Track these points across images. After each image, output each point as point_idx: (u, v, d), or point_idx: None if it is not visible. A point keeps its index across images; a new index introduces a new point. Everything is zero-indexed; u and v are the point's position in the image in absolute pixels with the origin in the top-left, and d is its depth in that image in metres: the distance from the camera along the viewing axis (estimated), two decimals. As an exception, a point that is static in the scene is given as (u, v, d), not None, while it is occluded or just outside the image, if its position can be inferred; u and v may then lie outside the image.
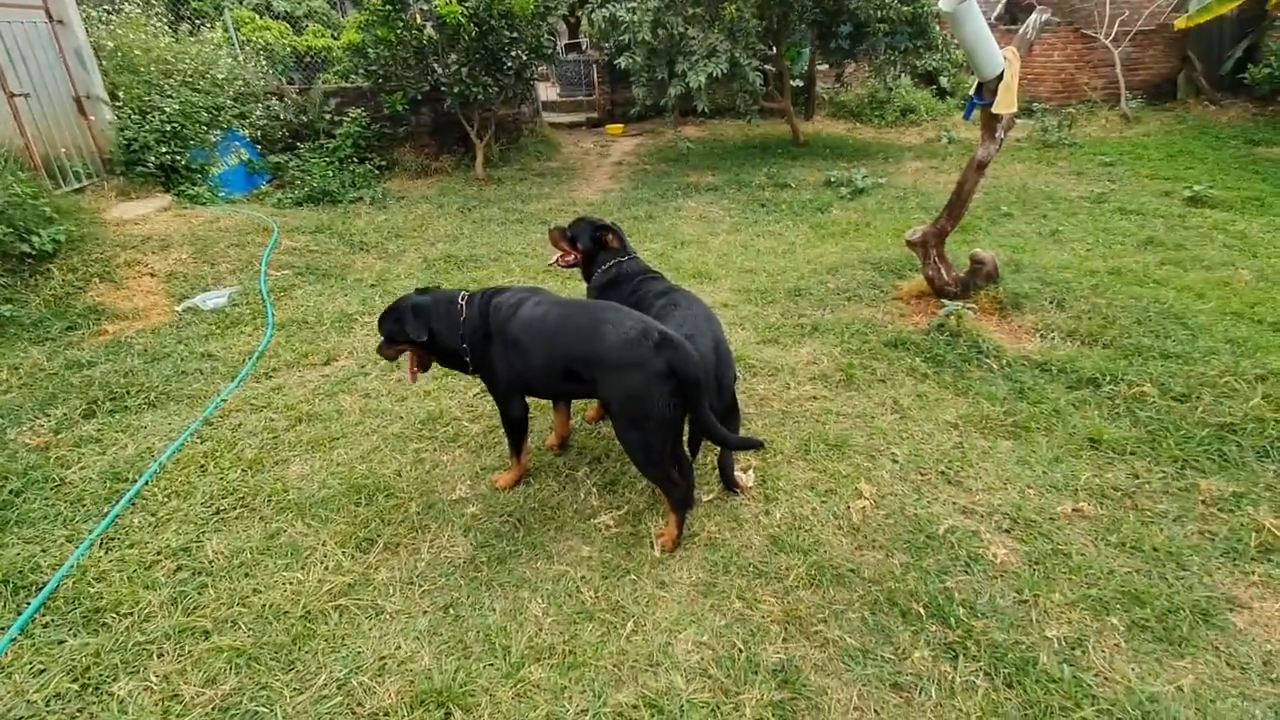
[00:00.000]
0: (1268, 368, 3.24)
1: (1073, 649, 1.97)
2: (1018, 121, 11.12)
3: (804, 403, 3.34)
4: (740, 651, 2.00)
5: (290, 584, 2.29)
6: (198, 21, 9.19)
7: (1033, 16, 3.65)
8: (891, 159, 9.14)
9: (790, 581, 2.25)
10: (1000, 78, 3.44)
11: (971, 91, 3.72)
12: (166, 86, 6.77)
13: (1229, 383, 3.16)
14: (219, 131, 7.08)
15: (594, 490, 2.75)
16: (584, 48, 14.88)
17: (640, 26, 7.84)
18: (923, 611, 2.10)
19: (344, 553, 2.42)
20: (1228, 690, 1.84)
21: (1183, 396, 3.13)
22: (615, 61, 8.62)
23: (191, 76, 7.06)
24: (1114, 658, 1.94)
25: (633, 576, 2.30)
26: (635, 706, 1.85)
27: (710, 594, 2.23)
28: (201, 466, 2.94)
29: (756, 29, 8.19)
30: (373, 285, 5.10)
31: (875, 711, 1.82)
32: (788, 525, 2.52)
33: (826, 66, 12.19)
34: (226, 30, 8.57)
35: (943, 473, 2.77)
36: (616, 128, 12.55)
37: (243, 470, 2.92)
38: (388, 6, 7.48)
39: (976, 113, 3.74)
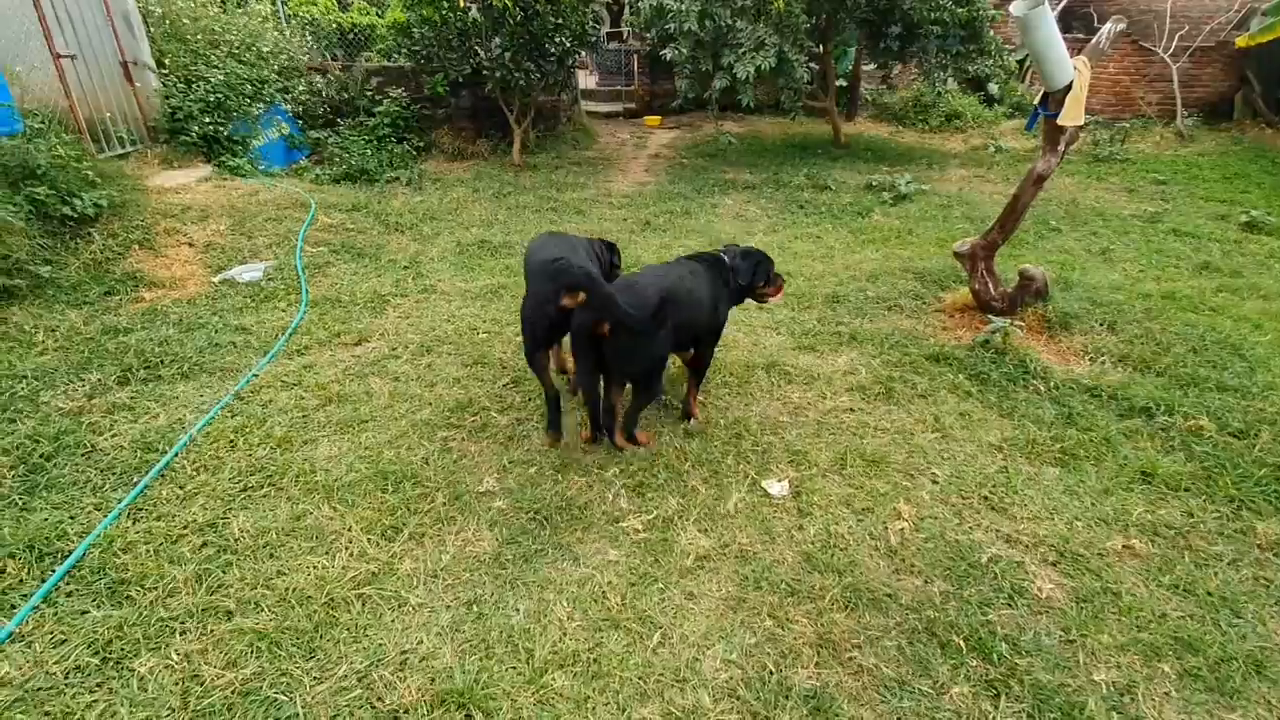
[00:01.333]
0: (1335, 408, 3.08)
1: (1121, 695, 1.87)
2: (1067, 133, 10.83)
3: (840, 414, 3.25)
4: (771, 674, 1.93)
5: (314, 568, 2.27)
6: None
7: (1108, 25, 3.49)
8: (935, 165, 8.93)
9: (824, 603, 2.17)
10: (1069, 88, 3.29)
11: (1036, 101, 3.56)
12: (212, 57, 6.81)
13: (1292, 421, 3.01)
14: (262, 105, 7.11)
15: (623, 492, 2.69)
16: (625, 36, 14.75)
17: (687, 16, 7.71)
18: (963, 644, 2.02)
19: (369, 540, 2.40)
20: (1289, 753, 1.74)
21: (1240, 433, 2.98)
22: (660, 52, 8.50)
23: (238, 48, 7.09)
24: (1164, 707, 1.84)
25: (660, 585, 2.25)
26: (660, 723, 1.79)
27: (740, 609, 2.16)
28: (231, 441, 2.93)
29: (805, 24, 8.02)
30: (406, 267, 5.08)
31: (911, 748, 1.75)
32: (822, 543, 2.44)
33: (872, 67, 11.91)
34: (274, 3, 8.60)
35: (985, 497, 2.67)
36: (654, 119, 12.44)
37: (271, 448, 2.91)
38: (434, -14, 7.44)
39: (1039, 124, 3.59)
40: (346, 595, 2.17)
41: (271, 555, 2.34)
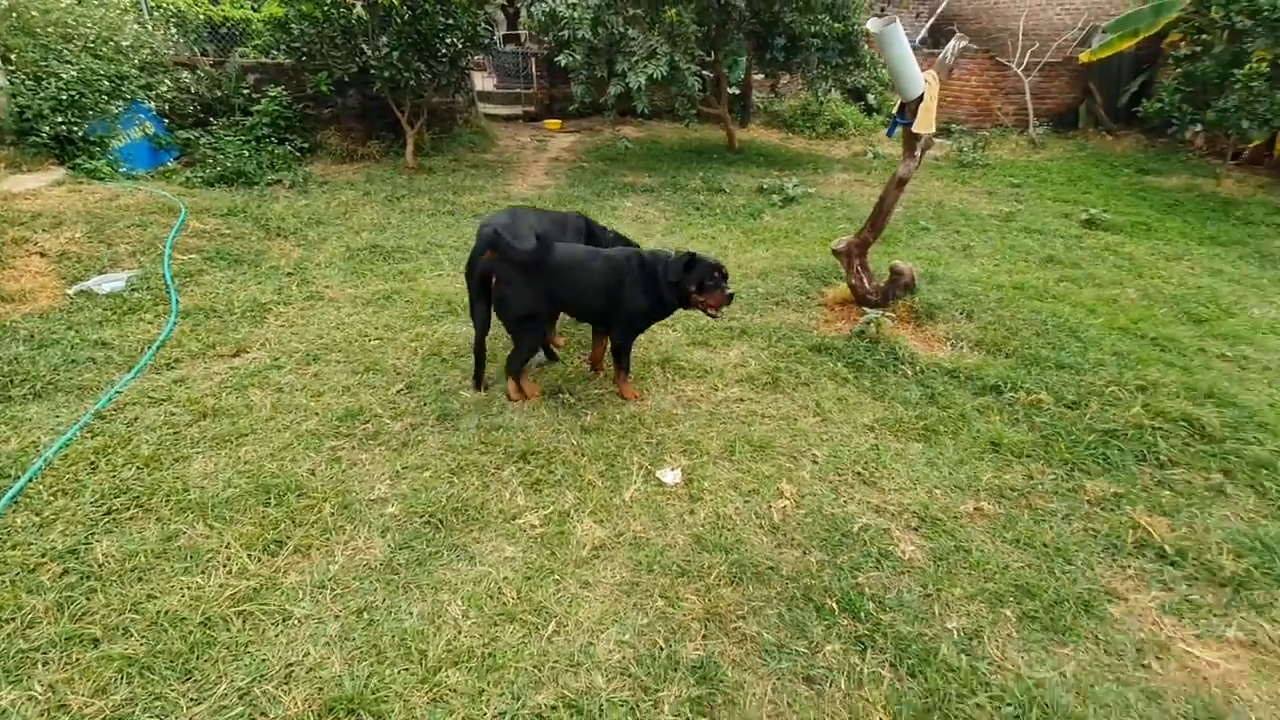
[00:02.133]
0: (1147, 379, 3.55)
1: (970, 639, 2.10)
2: (937, 141, 11.75)
3: (731, 404, 3.42)
4: (661, 649, 2.02)
5: (189, 589, 2.15)
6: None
7: (951, 43, 3.87)
8: (821, 170, 9.46)
9: (712, 580, 2.29)
10: (921, 99, 3.62)
11: (895, 111, 3.89)
12: (66, 51, 6.22)
13: (1114, 392, 3.44)
14: (122, 102, 6.56)
15: (520, 490, 2.72)
16: (523, 39, 14.66)
17: (580, 23, 7.80)
18: (835, 606, 2.19)
19: (250, 556, 2.30)
20: (1105, 675, 2.01)
21: (1074, 404, 3.38)
22: (555, 58, 8.53)
23: (94, 42, 6.51)
24: (1006, 647, 2.08)
25: (556, 577, 2.29)
26: (554, 707, 1.84)
27: (634, 593, 2.24)
28: (92, 463, 2.72)
29: (696, 34, 8.29)
30: (289, 274, 4.85)
31: (788, 704, 1.88)
32: (711, 524, 2.57)
33: (762, 76, 12.46)
34: (133, -7, 7.95)
35: (859, 473, 2.89)
36: (554, 123, 12.43)
37: (138, 468, 2.72)
38: (314, -19, 7.14)
39: (899, 131, 3.92)
40: (225, 614, 2.08)
41: (141, 579, 2.20)
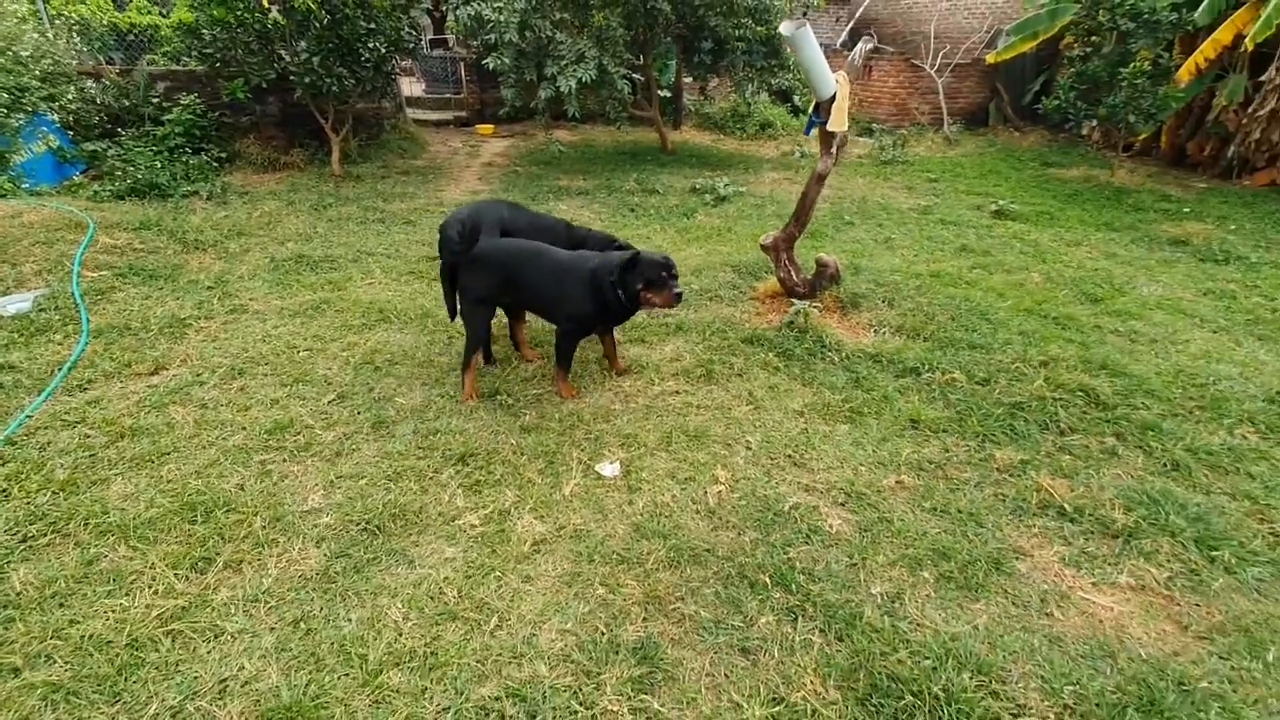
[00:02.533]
0: (1049, 354, 3.83)
1: (892, 602, 2.24)
2: (861, 140, 12.25)
3: (667, 397, 3.50)
4: (602, 634, 2.08)
5: (113, 612, 2.08)
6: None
7: (859, 44, 4.11)
8: (751, 169, 9.72)
9: (650, 565, 2.36)
10: (834, 98, 3.80)
11: (810, 111, 4.07)
12: (-50, 60, 5.81)
13: (1019, 368, 3.70)
14: (23, 115, 6.17)
15: (459, 491, 2.73)
16: (451, 44, 14.47)
17: (507, 27, 7.80)
18: (769, 581, 2.30)
19: (176, 575, 2.24)
20: (1013, 625, 2.18)
21: (984, 381, 3.62)
22: (484, 61, 8.49)
23: (-17, 50, 6.10)
24: (925, 606, 2.23)
25: (498, 574, 2.32)
26: (498, 698, 1.87)
27: (575, 583, 2.29)
28: (4, 491, 2.58)
29: (624, 38, 8.40)
30: (210, 287, 4.68)
31: (725, 675, 1.97)
32: (650, 513, 2.64)
33: (692, 79, 12.69)
34: (33, 2, 7.47)
35: (789, 456, 3.02)
36: (487, 128, 12.33)
37: (54, 493, 2.60)
38: (226, -15, 6.89)
39: (815, 130, 4.10)
40: (153, 634, 2.02)
41: (62, 605, 2.11)
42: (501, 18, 7.76)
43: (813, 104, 4.01)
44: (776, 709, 1.87)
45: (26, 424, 3.02)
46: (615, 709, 1.86)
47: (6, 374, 3.38)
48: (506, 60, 8.00)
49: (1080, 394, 3.47)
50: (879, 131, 12.11)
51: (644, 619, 2.15)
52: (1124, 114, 7.87)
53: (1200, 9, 7.65)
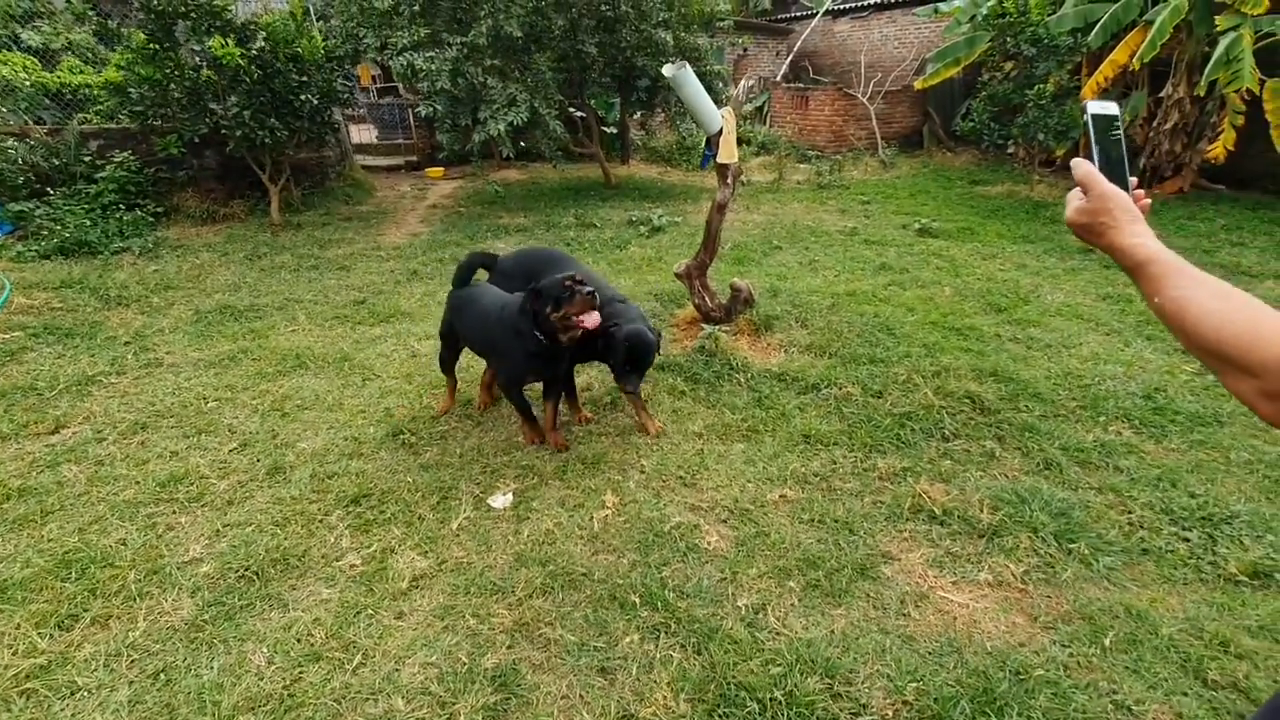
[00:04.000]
0: (941, 365, 3.98)
1: (756, 613, 2.30)
2: (801, 166, 12.64)
3: (571, 427, 3.56)
4: (463, 664, 2.10)
5: (-35, 677, 2.05)
6: (-89, 53, 7.97)
7: (743, 83, 4.29)
8: (691, 200, 9.97)
9: (524, 593, 2.40)
10: (721, 132, 3.98)
11: (704, 146, 4.24)
12: None
13: (912, 379, 3.84)
14: (-64, 178, 6.14)
15: (345, 533, 2.75)
16: (400, 91, 14.72)
17: (439, 75, 7.99)
18: (638, 601, 2.35)
19: (40, 634, 2.22)
20: (870, 628, 2.25)
21: (878, 394, 3.75)
22: (417, 108, 8.67)
23: (-102, 115, 6.09)
24: (788, 615, 2.29)
25: (370, 612, 2.33)
26: (349, 735, 1.88)
27: (447, 616, 2.31)
28: None
29: (554, 80, 8.65)
30: (127, 343, 4.67)
31: (580, 696, 2.00)
32: (535, 541, 2.68)
33: (634, 115, 13.06)
34: (-52, 64, 7.51)
35: (680, 477, 3.09)
36: (436, 171, 12.50)
37: (-77, 559, 2.56)
38: (152, 45, 6.99)
39: (712, 162, 4.28)
40: (6, 694, 2.00)
41: (-90, 675, 2.08)
42: (433, 66, 7.95)
43: (705, 139, 4.18)
44: (626, 726, 1.91)
45: (-92, 491, 2.97)
46: (465, 738, 1.88)
47: (-107, 441, 3.33)
48: (439, 107, 8.18)
49: (967, 401, 3.61)
50: (814, 158, 12.51)
51: (508, 646, 2.18)
52: (1034, 132, 8.28)
53: (1093, 33, 8.13)
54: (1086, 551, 2.56)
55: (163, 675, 2.08)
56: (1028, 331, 4.71)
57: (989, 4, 9.51)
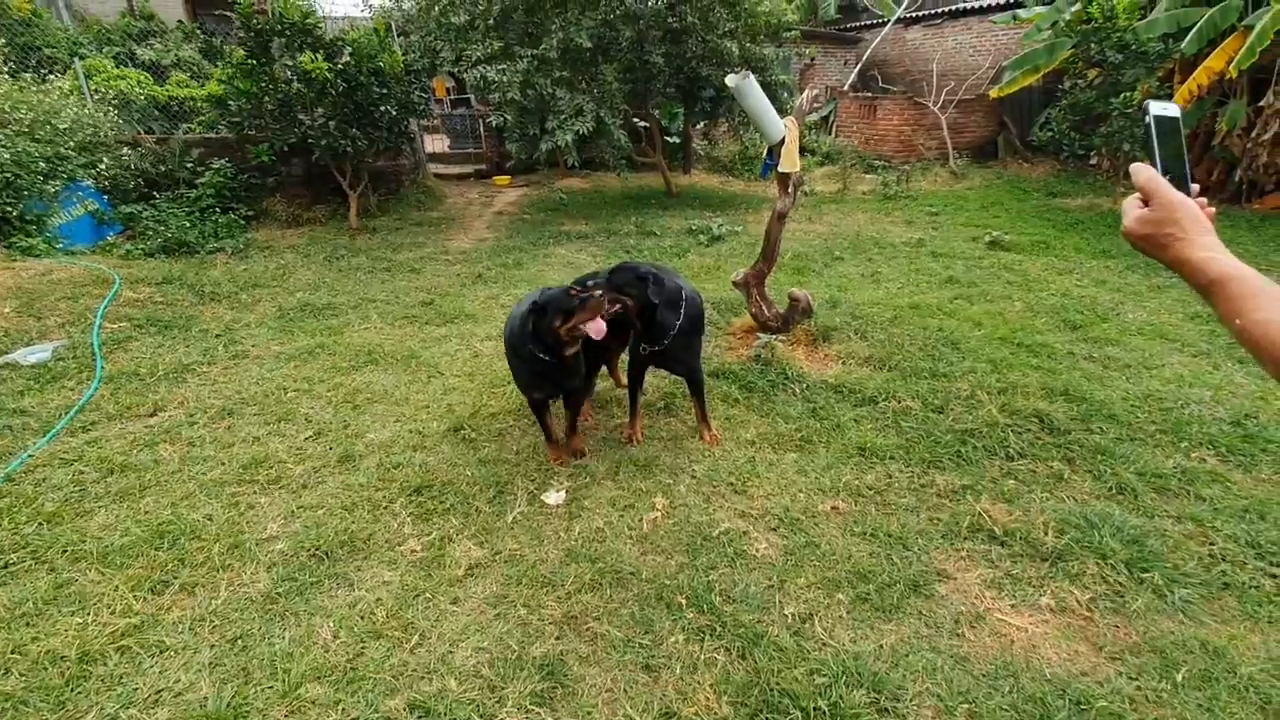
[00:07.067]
0: (1008, 381, 3.84)
1: (802, 622, 2.28)
2: (867, 176, 12.41)
3: (624, 430, 3.62)
4: (513, 652, 2.18)
5: (72, 630, 2.27)
6: (45, 70, 8.82)
7: (806, 93, 4.27)
8: (752, 209, 9.93)
9: (573, 587, 2.46)
10: (783, 142, 3.98)
11: (765, 155, 4.25)
12: (0, 136, 6.46)
13: (976, 395, 3.72)
14: (59, 182, 6.78)
15: (408, 520, 2.88)
16: (473, 103, 15.28)
17: (510, 86, 8.27)
18: (684, 602, 2.37)
19: (135, 596, 2.42)
20: (921, 645, 2.20)
21: (939, 409, 3.65)
22: (488, 118, 8.98)
23: (30, 126, 6.76)
24: (835, 627, 2.27)
25: (428, 596, 2.45)
26: (405, 710, 1.98)
27: (499, 605, 2.40)
28: (-7, 523, 2.83)
29: (620, 91, 8.81)
30: (218, 336, 5.02)
31: (624, 690, 2.04)
32: (585, 538, 2.74)
33: (697, 125, 13.11)
34: (76, 79, 8.27)
35: (731, 484, 3.10)
36: (503, 179, 12.89)
37: (40, 524, 2.83)
38: (251, 61, 7.52)
39: (772, 171, 4.28)
40: (104, 649, 2.20)
41: (29, 624, 2.31)
42: (505, 78, 8.24)
43: (766, 148, 4.20)
44: (667, 723, 1.94)
45: (28, 463, 3.30)
46: (512, 721, 1.95)
47: (17, 418, 3.69)
48: (509, 117, 8.46)
49: (1035, 419, 3.47)
50: (882, 168, 12.25)
51: (557, 637, 2.24)
52: (1118, 142, 7.87)
53: (1187, 39, 7.69)
54: (1160, 582, 2.42)
55: (240, 641, 2.24)
56: (1105, 350, 4.48)
57: (1072, 10, 9.12)
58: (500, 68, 8.40)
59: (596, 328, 2.75)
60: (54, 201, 6.69)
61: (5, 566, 2.58)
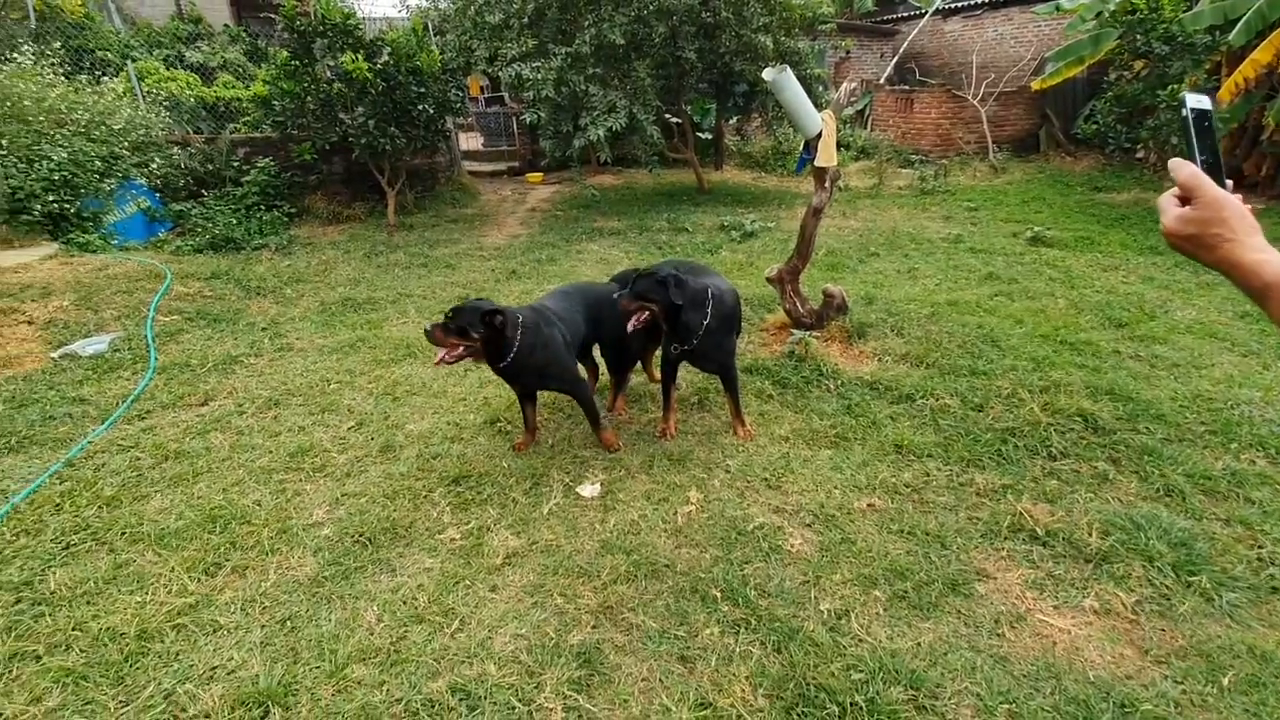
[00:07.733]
0: (1051, 379, 3.76)
1: (839, 618, 2.28)
2: (903, 171, 12.20)
3: (658, 424, 3.64)
4: (551, 639, 2.22)
5: (131, 608, 2.38)
6: (98, 73, 9.18)
7: (844, 85, 4.22)
8: (785, 205, 9.86)
9: (609, 578, 2.49)
10: (820, 136, 3.95)
11: (801, 149, 4.22)
12: (58, 136, 6.74)
13: (1017, 393, 3.65)
14: (114, 180, 7.06)
15: (447, 509, 2.95)
16: (506, 101, 15.44)
17: (544, 84, 8.33)
18: (719, 595, 2.38)
19: (190, 577, 2.53)
20: (960, 644, 2.18)
21: (978, 407, 3.59)
22: (521, 116, 9.07)
23: (85, 126, 7.05)
24: (872, 623, 2.26)
25: (468, 583, 2.50)
26: (446, 692, 2.03)
27: (537, 593, 2.44)
28: (57, 505, 2.98)
29: (653, 87, 8.81)
30: (264, 329, 5.18)
31: (660, 680, 2.07)
32: (620, 530, 2.77)
33: (730, 121, 13.04)
34: (129, 81, 8.59)
35: (765, 479, 3.10)
36: (536, 176, 13.01)
37: (100, 507, 2.97)
38: (294, 62, 7.72)
39: (808, 166, 4.25)
40: (161, 627, 2.30)
41: (89, 602, 2.43)
42: (539, 75, 8.31)
43: (803, 142, 4.17)
44: (703, 713, 1.95)
45: (88, 449, 3.45)
46: (550, 706, 1.99)
47: (77, 406, 3.87)
48: (543, 114, 8.53)
49: (1078, 419, 3.40)
50: (919, 162, 12.04)
51: (593, 626, 2.27)
52: (1166, 135, 7.61)
53: (1235, 31, 7.38)
54: (1208, 585, 2.36)
55: (289, 622, 2.33)
56: (1152, 349, 4.35)
57: (1117, 0, 8.83)
58: (534, 65, 8.48)
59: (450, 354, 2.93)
60: (109, 199, 6.97)
61: (67, 547, 2.72)
